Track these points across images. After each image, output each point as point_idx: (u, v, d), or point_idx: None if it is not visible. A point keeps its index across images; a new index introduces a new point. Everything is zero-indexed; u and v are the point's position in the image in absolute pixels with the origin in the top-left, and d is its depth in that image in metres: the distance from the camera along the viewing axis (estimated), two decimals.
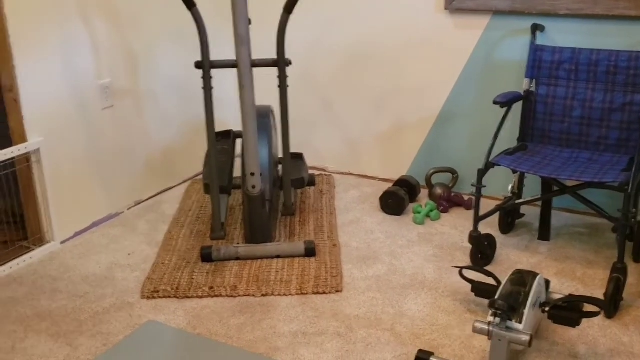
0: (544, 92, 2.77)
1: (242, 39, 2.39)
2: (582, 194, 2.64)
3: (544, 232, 2.87)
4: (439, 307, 2.40)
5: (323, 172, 3.70)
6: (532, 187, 3.00)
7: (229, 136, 3.11)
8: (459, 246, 2.84)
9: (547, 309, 2.10)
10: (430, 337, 2.24)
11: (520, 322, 1.96)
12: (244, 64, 2.43)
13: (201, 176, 3.69)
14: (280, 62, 2.52)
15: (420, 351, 2.10)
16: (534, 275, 2.17)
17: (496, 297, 2.06)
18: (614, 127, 2.66)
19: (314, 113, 3.62)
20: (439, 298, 2.46)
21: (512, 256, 2.75)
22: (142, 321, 2.37)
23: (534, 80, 2.79)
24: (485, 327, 1.98)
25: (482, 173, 2.56)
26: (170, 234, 3.00)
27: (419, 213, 3.07)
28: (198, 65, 2.46)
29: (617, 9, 2.69)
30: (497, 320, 1.97)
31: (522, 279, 2.15)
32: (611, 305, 2.28)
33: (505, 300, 2.00)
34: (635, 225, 2.66)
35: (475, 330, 2.00)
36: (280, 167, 3.10)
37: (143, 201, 3.36)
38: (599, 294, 2.44)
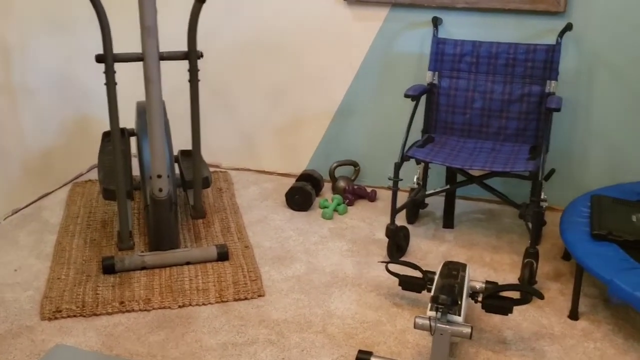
0: (447, 84, 2.83)
1: (149, 31, 2.19)
2: (486, 183, 2.74)
3: (448, 220, 2.95)
4: (366, 303, 2.38)
5: (217, 169, 3.54)
6: (434, 177, 3.07)
7: (122, 135, 2.86)
8: (371, 239, 2.84)
9: (478, 298, 2.14)
10: (363, 335, 2.20)
11: (459, 315, 1.98)
12: (151, 57, 2.23)
13: (83, 178, 3.38)
14: (192, 55, 2.34)
15: (360, 352, 2.06)
16: (462, 266, 2.21)
17: (433, 291, 2.07)
18: (513, 118, 2.77)
19: (204, 106, 3.44)
20: (363, 294, 2.44)
21: (422, 246, 2.79)
22: (48, 346, 2.11)
23: (437, 73, 2.85)
24: (427, 322, 1.98)
25: (398, 166, 2.56)
26: (61, 245, 2.72)
27: (327, 208, 3.03)
28: (99, 58, 2.22)
29: (513, 3, 2.81)
30: (439, 314, 1.98)
31: (452, 270, 2.18)
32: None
33: (444, 294, 2.01)
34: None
35: (417, 327, 1.99)
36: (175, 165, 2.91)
37: (21, 209, 3.02)
38: (511, 278, 2.55)
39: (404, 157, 2.57)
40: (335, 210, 3.06)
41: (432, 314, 1.98)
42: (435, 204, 3.11)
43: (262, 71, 3.32)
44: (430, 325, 1.97)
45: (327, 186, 3.31)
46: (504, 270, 2.61)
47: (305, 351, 2.12)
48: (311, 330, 2.22)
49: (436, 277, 2.15)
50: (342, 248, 2.77)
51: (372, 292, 2.45)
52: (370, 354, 2.05)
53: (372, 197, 3.20)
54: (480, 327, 2.25)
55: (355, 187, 3.21)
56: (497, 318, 2.30)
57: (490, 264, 2.66)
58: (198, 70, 2.40)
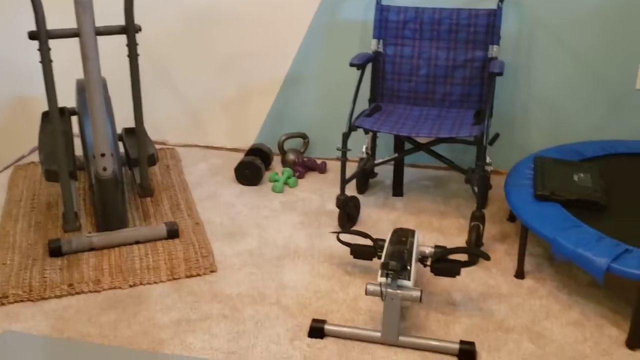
0: (392, 52, 2.84)
1: (84, 5, 2.12)
2: (433, 150, 2.77)
3: (398, 188, 2.98)
4: (318, 274, 2.40)
5: (164, 146, 3.49)
6: (382, 146, 3.09)
7: (62, 114, 2.79)
8: (322, 210, 2.85)
9: (427, 262, 2.18)
10: (317, 304, 2.22)
11: (409, 279, 2.02)
12: (87, 33, 2.16)
13: (25, 160, 3.29)
14: (130, 29, 2.28)
15: (314, 321, 2.08)
16: (411, 232, 2.24)
17: (383, 258, 2.09)
18: (457, 84, 2.80)
19: (148, 81, 3.37)
20: (315, 264, 2.45)
21: (373, 215, 2.82)
22: None
23: (382, 41, 2.85)
24: (378, 288, 2.01)
25: (346, 136, 2.57)
26: (5, 230, 2.64)
27: (278, 181, 3.02)
28: (32, 35, 2.14)
29: None
30: (389, 280, 2.01)
31: (402, 237, 2.21)
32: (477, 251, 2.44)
33: (394, 260, 2.04)
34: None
35: (369, 293, 2.01)
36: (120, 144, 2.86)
37: None
38: (459, 241, 2.60)
39: (352, 127, 2.58)
40: (285, 183, 3.06)
41: (383, 280, 2.01)
42: (385, 172, 3.14)
43: (205, 44, 3.26)
44: (381, 291, 2.00)
45: (277, 159, 3.30)
46: (452, 234, 2.66)
47: (259, 323, 2.13)
48: (265, 303, 2.23)
49: (386, 244, 2.17)
50: (294, 220, 2.77)
51: (325, 262, 2.47)
52: (324, 322, 2.08)
53: (322, 169, 3.21)
54: (430, 291, 2.30)
55: (305, 159, 3.21)
56: (446, 281, 2.35)
57: (438, 229, 2.70)
58: (137, 44, 2.34)
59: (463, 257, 2.40)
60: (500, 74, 2.50)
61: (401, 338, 2.01)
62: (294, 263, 2.46)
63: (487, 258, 2.16)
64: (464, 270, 2.40)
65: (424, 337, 2.04)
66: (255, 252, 2.53)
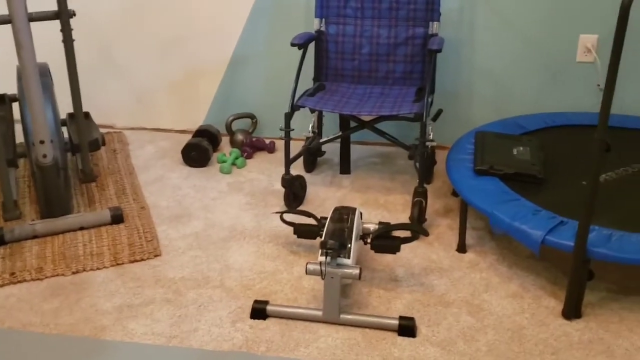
0: (334, 31, 2.83)
1: None
2: (378, 127, 2.79)
3: (345, 166, 3.00)
4: (264, 254, 2.41)
5: (111, 130, 3.44)
6: (329, 124, 3.10)
7: (3, 101, 2.73)
8: (270, 190, 2.85)
9: (368, 240, 2.20)
10: (260, 285, 2.24)
11: (348, 257, 2.04)
12: (19, 19, 2.11)
13: None
14: (63, 14, 2.24)
15: (255, 302, 2.10)
16: (352, 210, 2.26)
17: (323, 237, 2.11)
18: (399, 61, 2.81)
19: (92, 65, 3.31)
20: (261, 245, 2.47)
21: (320, 193, 2.83)
22: None
23: (324, 20, 2.84)
24: (318, 267, 2.03)
25: (289, 116, 2.57)
26: None
27: (225, 162, 3.01)
28: None
29: None
30: (328, 259, 2.03)
31: (343, 215, 2.23)
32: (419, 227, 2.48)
33: (334, 239, 2.06)
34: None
35: (309, 272, 2.03)
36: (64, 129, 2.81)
37: None
38: (403, 217, 2.63)
39: (294, 107, 2.58)
40: (233, 164, 3.05)
41: (323, 259, 2.03)
42: (334, 151, 3.15)
43: (150, 25, 3.21)
44: (321, 269, 2.02)
45: (225, 140, 3.28)
46: (397, 210, 2.69)
47: (202, 306, 2.14)
48: (209, 286, 2.24)
49: (326, 223, 2.19)
50: (241, 201, 2.77)
51: (270, 242, 2.48)
52: (266, 303, 2.10)
53: (271, 149, 3.20)
54: (374, 267, 2.33)
55: (254, 139, 3.21)
56: (389, 257, 2.38)
57: (384, 205, 2.73)
58: (72, 29, 2.30)
59: (406, 233, 2.44)
60: (439, 50, 2.51)
61: (342, 316, 2.04)
62: (239, 244, 2.47)
63: (426, 234, 2.19)
64: (407, 246, 2.43)
65: (364, 314, 2.08)
66: (200, 235, 2.53)
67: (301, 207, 2.71)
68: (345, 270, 2.01)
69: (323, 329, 2.03)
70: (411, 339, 1.99)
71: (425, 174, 2.50)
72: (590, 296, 2.16)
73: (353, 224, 2.17)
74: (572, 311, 2.08)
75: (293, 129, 2.60)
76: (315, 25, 2.83)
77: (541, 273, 2.29)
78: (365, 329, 2.03)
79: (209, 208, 2.72)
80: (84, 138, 2.53)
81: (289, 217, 2.48)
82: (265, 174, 3.00)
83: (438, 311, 2.11)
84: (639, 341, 1.97)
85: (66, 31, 2.30)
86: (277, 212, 2.41)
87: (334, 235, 2.11)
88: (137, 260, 2.36)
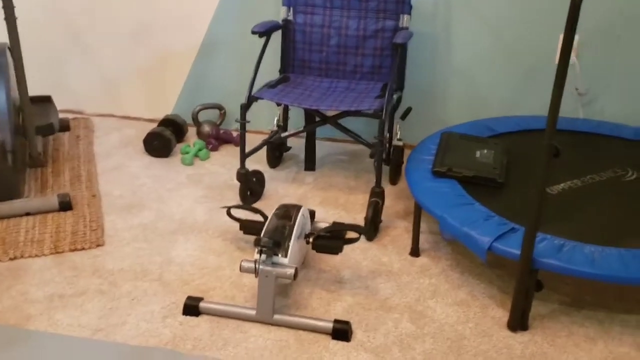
0: (302, 20, 2.74)
1: None
2: (342, 123, 2.69)
3: (310, 163, 2.91)
4: (209, 249, 2.33)
5: (79, 116, 3.38)
6: (297, 119, 3.01)
7: None
8: (228, 185, 2.77)
9: (310, 239, 2.12)
10: (200, 281, 2.16)
11: (285, 256, 1.96)
12: None
13: None
14: None
15: (189, 298, 2.02)
16: (297, 207, 2.17)
17: (262, 234, 2.03)
18: (368, 55, 2.72)
19: (64, 49, 3.25)
20: (208, 240, 2.39)
21: (280, 190, 2.75)
22: None
23: (292, 9, 2.75)
24: (252, 265, 1.94)
25: (245, 108, 2.48)
26: None
27: (187, 153, 2.94)
28: None
29: None
30: (263, 257, 1.94)
31: (287, 212, 2.15)
32: (371, 228, 2.38)
33: (271, 236, 1.98)
34: (391, 149, 2.80)
35: (243, 270, 1.95)
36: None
37: None
38: (361, 217, 2.54)
39: (251, 98, 2.49)
40: (196, 155, 2.97)
41: (258, 256, 1.95)
42: (301, 146, 3.06)
43: (119, 11, 3.14)
44: (255, 267, 1.94)
45: (192, 131, 3.21)
46: (356, 210, 2.60)
47: (135, 300, 2.06)
48: (146, 279, 2.16)
49: (268, 220, 2.10)
50: (197, 194, 2.69)
51: (219, 237, 2.40)
52: (199, 299, 2.02)
53: (237, 142, 3.12)
54: (320, 268, 2.24)
55: (221, 131, 3.13)
56: (338, 258, 2.29)
57: (344, 204, 2.64)
58: (14, 6, 2.23)
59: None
60: (403, 44, 2.42)
61: (276, 316, 1.96)
62: (186, 238, 2.39)
63: (368, 236, 2.10)
64: (357, 248, 2.34)
65: (299, 315, 1.99)
66: (149, 226, 2.45)
67: (259, 204, 2.63)
68: (280, 270, 1.93)
69: (255, 329, 1.95)
70: (345, 343, 1.90)
71: (380, 173, 2.40)
72: (540, 307, 2.06)
73: (296, 221, 2.09)
74: (517, 323, 1.98)
75: (249, 121, 2.51)
76: (282, 13, 2.75)
77: (494, 281, 2.19)
78: (299, 331, 1.94)
79: (162, 199, 2.64)
80: (29, 122, 2.46)
81: (239, 212, 2.40)
82: (227, 167, 2.92)
83: (378, 316, 2.02)
84: (583, 357, 1.87)
85: (8, 8, 2.23)
86: (224, 207, 2.34)
87: (275, 232, 2.03)
88: (77, 249, 2.29)
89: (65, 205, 2.49)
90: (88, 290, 2.09)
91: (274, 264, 1.94)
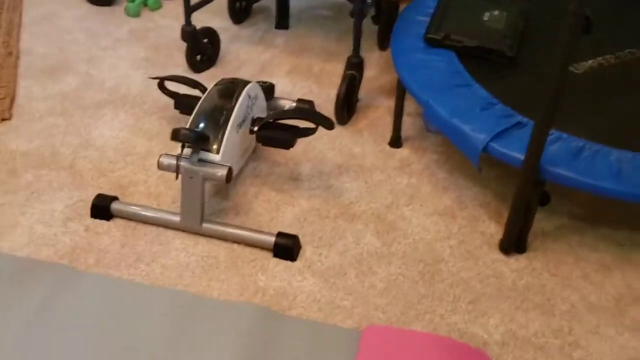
0: None
1: None
2: None
3: (282, 19, 2.37)
4: (140, 130, 1.88)
5: None
6: None
7: None
8: (179, 45, 2.24)
9: (255, 129, 1.65)
10: (121, 172, 1.73)
11: (217, 153, 1.51)
12: None
13: None
14: None
15: (99, 196, 1.61)
16: (243, 83, 1.68)
17: (189, 121, 1.56)
18: None
19: None
20: (142, 117, 1.93)
21: (241, 53, 2.23)
22: None
23: None
24: (173, 162, 1.50)
25: None
26: None
27: (133, 2, 2.40)
28: None
29: None
30: (187, 152, 1.50)
31: (229, 89, 1.66)
32: (343, 109, 1.90)
33: (203, 123, 1.52)
34: (381, 3, 2.24)
35: (162, 167, 1.52)
36: None
37: None
38: (335, 93, 2.05)
39: None
40: (145, 4, 2.43)
41: (180, 151, 1.51)
42: None
43: None
44: (177, 165, 1.50)
45: None
46: (332, 83, 2.09)
47: (35, 194, 1.65)
48: (54, 166, 1.74)
49: (201, 101, 1.63)
50: (138, 55, 2.20)
51: (155, 114, 1.94)
52: (113, 199, 1.61)
53: None
54: (274, 160, 1.80)
55: None
56: (296, 150, 1.83)
57: (317, 75, 2.14)
58: None
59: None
60: None
61: (205, 225, 1.55)
62: (114, 113, 1.94)
63: (330, 127, 1.63)
64: (325, 133, 1.87)
65: (233, 225, 1.57)
66: (70, 96, 1.99)
67: (212, 71, 2.13)
68: (209, 170, 1.49)
69: (179, 240, 1.55)
70: (288, 262, 1.50)
71: (358, 37, 1.87)
72: (544, 222, 1.62)
73: (237, 104, 1.61)
74: (512, 244, 1.55)
75: None
76: None
77: (489, 184, 1.74)
78: (234, 245, 1.54)
79: (94, 61, 2.16)
80: None
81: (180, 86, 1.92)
82: (181, 21, 2.37)
83: (336, 226, 1.60)
84: (592, 294, 1.46)
85: None
86: (154, 77, 1.86)
87: (207, 118, 1.57)
88: None
89: None
90: None
91: (202, 162, 1.50)
